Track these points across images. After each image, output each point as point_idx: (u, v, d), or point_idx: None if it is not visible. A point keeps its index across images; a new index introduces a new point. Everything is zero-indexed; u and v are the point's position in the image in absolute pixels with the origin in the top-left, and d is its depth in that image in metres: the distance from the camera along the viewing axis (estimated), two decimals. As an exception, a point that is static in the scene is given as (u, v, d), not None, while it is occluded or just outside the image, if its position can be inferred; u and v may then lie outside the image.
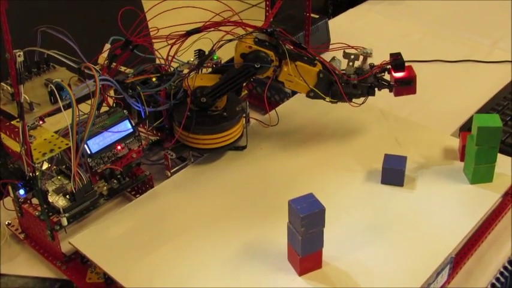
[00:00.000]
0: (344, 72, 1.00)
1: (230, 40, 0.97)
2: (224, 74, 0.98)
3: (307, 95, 1.00)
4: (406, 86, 1.00)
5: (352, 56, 1.00)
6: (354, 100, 1.01)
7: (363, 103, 1.02)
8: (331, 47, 0.99)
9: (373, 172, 0.98)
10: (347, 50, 1.00)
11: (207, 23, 0.96)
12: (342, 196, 0.94)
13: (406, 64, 1.01)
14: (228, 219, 0.91)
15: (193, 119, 0.97)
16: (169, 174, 1.00)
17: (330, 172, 1.00)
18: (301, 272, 0.81)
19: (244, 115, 1.05)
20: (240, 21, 0.97)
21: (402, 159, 0.96)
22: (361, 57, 0.99)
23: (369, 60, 1.00)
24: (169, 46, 0.97)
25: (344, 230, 0.87)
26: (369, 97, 1.02)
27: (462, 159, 0.99)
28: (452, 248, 0.84)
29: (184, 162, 1.03)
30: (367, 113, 1.07)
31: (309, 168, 1.01)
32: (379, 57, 1.39)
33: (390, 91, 1.01)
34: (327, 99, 1.00)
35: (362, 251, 0.84)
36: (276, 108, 1.11)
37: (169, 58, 0.99)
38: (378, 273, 0.81)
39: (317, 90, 0.99)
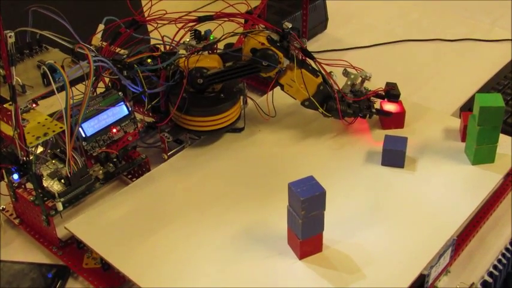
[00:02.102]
0: (340, 89, 1.01)
1: (243, 33, 0.97)
2: (228, 62, 0.97)
3: (302, 103, 1.01)
4: (395, 119, 1.02)
5: (352, 76, 1.01)
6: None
7: (351, 123, 1.03)
8: (333, 62, 1.00)
9: (373, 154, 0.97)
10: (348, 69, 1.01)
11: (220, 12, 0.96)
12: (342, 178, 0.93)
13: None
14: (226, 203, 0.90)
15: (189, 100, 0.96)
16: (166, 157, 0.99)
17: (330, 154, 0.99)
18: (302, 256, 0.80)
19: (241, 96, 1.03)
20: (256, 17, 0.98)
21: (403, 140, 0.95)
22: (359, 79, 1.00)
23: (366, 84, 1.02)
24: (176, 28, 0.96)
25: (344, 212, 0.86)
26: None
27: (463, 139, 0.98)
28: (454, 230, 0.83)
29: (181, 145, 1.01)
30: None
31: (308, 150, 1.00)
32: (378, 37, 1.39)
33: (384, 114, 1.02)
34: (320, 110, 1.00)
35: (363, 234, 0.83)
36: (274, 90, 1.09)
37: (170, 40, 0.98)
38: (379, 257, 0.80)
39: (314, 101, 0.99)
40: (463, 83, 1.21)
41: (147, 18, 0.95)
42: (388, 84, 1.03)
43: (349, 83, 1.01)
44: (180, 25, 0.96)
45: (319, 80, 0.99)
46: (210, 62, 0.97)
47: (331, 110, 1.00)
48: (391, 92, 1.02)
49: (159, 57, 0.94)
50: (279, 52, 0.96)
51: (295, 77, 0.97)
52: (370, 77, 1.00)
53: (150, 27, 0.98)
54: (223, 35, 0.99)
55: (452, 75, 1.26)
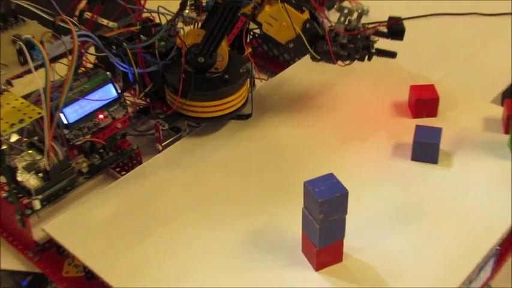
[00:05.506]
0: (333, 28, 0.94)
1: None
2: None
3: (285, 45, 0.93)
4: (427, 106, 0.95)
5: (346, 11, 0.94)
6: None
7: (347, 64, 0.95)
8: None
9: (402, 146, 0.93)
10: (342, 3, 0.94)
11: None
12: (366, 176, 0.89)
13: (428, 82, 0.97)
14: (230, 202, 0.86)
15: (188, 81, 0.90)
16: (160, 147, 0.95)
17: (351, 146, 0.94)
18: (319, 267, 0.76)
19: (248, 78, 0.98)
20: None
21: (436, 132, 0.90)
22: (355, 14, 0.93)
23: (364, 19, 0.95)
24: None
25: (368, 216, 0.82)
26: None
27: (506, 131, 0.93)
28: (497, 238, 0.79)
29: (179, 134, 0.97)
30: (391, 75, 1.00)
31: (325, 140, 0.95)
32: (403, 10, 1.29)
33: (388, 55, 0.95)
34: (310, 51, 0.92)
35: (389, 242, 0.79)
36: (287, 69, 1.05)
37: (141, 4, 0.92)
38: (408, 269, 0.76)
39: (303, 37, 0.90)
40: (504, 65, 1.15)
41: None
42: (391, 18, 0.94)
43: (342, 19, 0.94)
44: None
45: (305, 16, 0.91)
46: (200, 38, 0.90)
47: (321, 52, 0.92)
48: (394, 28, 0.93)
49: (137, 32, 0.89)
50: None
51: (274, 13, 0.89)
52: (368, 11, 0.92)
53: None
54: None
55: (491, 55, 1.20)
